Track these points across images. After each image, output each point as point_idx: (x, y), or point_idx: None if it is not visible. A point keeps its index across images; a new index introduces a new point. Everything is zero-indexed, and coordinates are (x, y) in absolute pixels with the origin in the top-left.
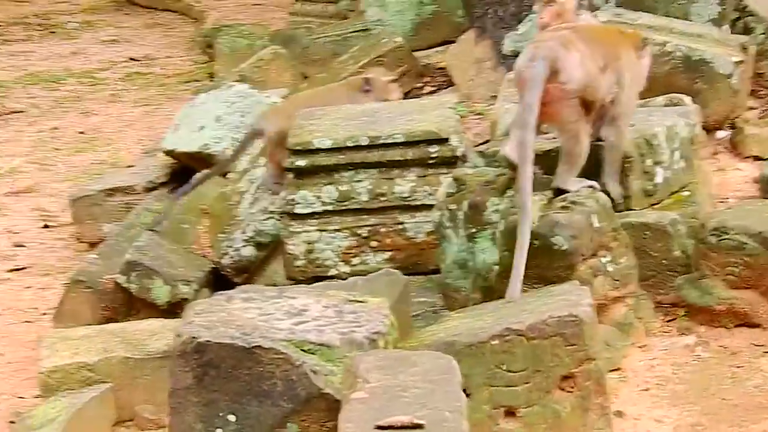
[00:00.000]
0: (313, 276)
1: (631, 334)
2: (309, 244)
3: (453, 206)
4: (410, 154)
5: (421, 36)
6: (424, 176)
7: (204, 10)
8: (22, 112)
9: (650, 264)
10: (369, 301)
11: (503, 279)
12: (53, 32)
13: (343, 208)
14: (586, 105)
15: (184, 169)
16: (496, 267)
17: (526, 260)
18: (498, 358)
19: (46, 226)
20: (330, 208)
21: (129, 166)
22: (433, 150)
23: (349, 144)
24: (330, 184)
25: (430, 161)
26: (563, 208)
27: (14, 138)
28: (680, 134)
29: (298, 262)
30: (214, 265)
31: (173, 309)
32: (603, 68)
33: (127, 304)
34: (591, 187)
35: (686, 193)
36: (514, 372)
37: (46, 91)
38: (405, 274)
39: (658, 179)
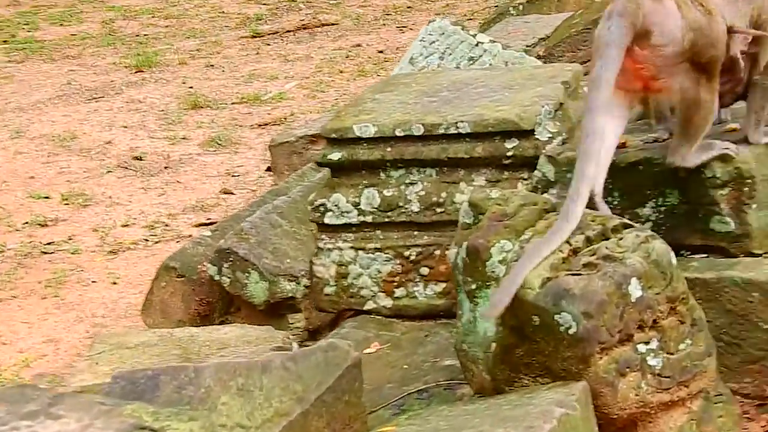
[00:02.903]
0: (346, 308)
1: None
2: (341, 265)
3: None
4: (479, 150)
5: None
6: (498, 181)
7: None
8: (333, 24)
9: (758, 342)
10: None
11: (501, 367)
12: None
13: (387, 220)
14: (703, 65)
15: None
16: (494, 345)
17: (527, 343)
18: None
19: (269, 169)
20: (370, 219)
21: None
22: (511, 146)
23: (399, 133)
24: (372, 186)
25: (506, 161)
26: (586, 266)
27: (307, 55)
28: None
29: (328, 289)
30: None
31: (275, 310)
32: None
33: (225, 300)
34: (726, 150)
35: None
36: None
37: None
38: None
39: None
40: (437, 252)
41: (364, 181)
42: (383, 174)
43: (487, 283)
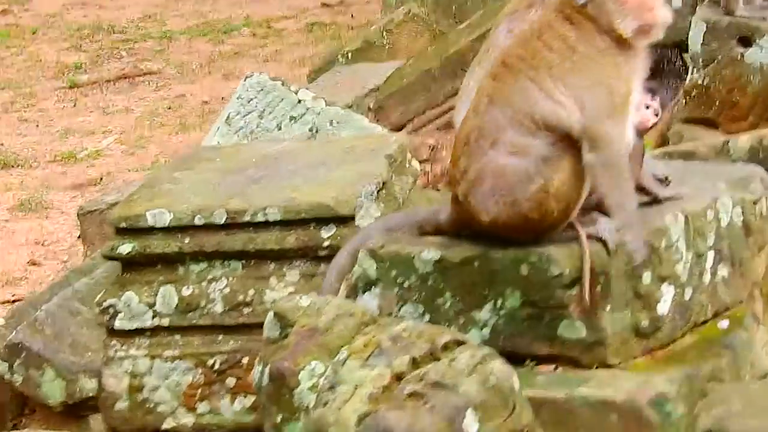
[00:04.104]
0: (141, 426)
1: None
2: (135, 377)
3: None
4: (291, 240)
5: None
6: (313, 276)
7: None
8: (155, 74)
9: None
10: None
11: None
12: None
13: (187, 323)
14: None
15: None
16: None
17: None
18: None
19: (80, 237)
20: (167, 322)
21: None
22: (328, 234)
23: (198, 221)
24: (169, 283)
25: (323, 252)
26: (412, 396)
27: (127, 107)
28: (726, 219)
29: (120, 405)
30: None
31: (74, 411)
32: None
33: (18, 400)
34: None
35: (725, 325)
36: None
37: (209, 45)
38: None
39: (664, 307)
40: (245, 360)
41: (159, 278)
42: (182, 269)
43: (295, 415)
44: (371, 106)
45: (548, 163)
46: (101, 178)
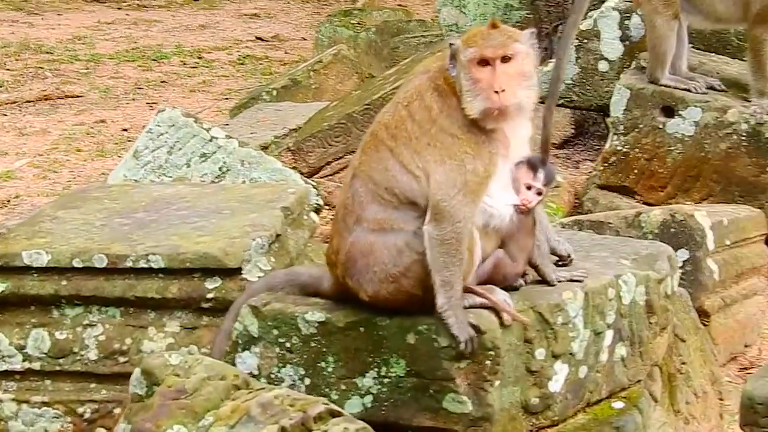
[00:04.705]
0: None
1: None
2: (0, 420)
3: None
4: (173, 289)
5: None
6: (194, 328)
7: None
8: (78, 97)
9: None
10: None
11: None
12: None
13: (59, 368)
14: None
15: None
16: None
17: None
18: None
19: None
20: (38, 366)
21: None
22: (212, 286)
23: (77, 264)
24: (42, 326)
25: (206, 304)
26: None
27: (44, 129)
28: (629, 298)
29: None
30: None
31: None
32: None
33: None
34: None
35: (619, 405)
36: None
37: (136, 71)
38: None
39: (555, 385)
40: (117, 410)
41: (32, 320)
42: (56, 312)
43: None
44: (290, 147)
45: (420, 236)
46: (8, 201)
